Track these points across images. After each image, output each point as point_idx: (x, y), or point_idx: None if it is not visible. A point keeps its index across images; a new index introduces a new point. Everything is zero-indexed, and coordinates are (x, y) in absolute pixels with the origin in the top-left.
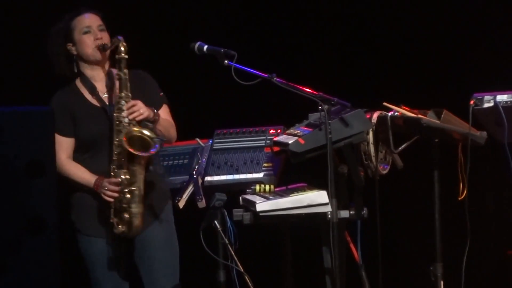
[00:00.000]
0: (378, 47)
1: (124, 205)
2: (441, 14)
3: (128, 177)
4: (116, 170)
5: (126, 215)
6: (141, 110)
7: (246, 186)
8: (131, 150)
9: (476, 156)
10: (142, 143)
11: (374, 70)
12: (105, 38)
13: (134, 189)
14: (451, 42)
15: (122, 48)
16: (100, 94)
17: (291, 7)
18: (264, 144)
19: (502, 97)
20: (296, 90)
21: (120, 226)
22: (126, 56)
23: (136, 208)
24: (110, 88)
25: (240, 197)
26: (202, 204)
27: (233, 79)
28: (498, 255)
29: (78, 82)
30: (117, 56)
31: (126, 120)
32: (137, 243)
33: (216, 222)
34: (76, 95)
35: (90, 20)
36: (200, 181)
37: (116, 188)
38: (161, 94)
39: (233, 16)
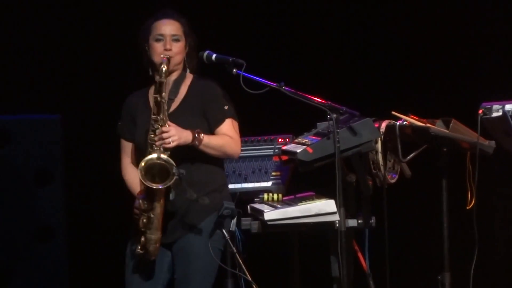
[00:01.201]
0: (386, 56)
1: (142, 229)
2: (450, 23)
3: (145, 203)
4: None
5: (143, 239)
6: (172, 138)
7: (254, 194)
8: (143, 180)
9: (484, 165)
10: (162, 171)
11: (383, 79)
12: (175, 49)
13: (151, 216)
14: (459, 51)
15: (164, 69)
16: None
17: (299, 16)
18: (272, 153)
19: (510, 106)
20: (305, 99)
21: (139, 247)
22: (164, 80)
23: (151, 235)
24: (171, 98)
25: (248, 206)
26: None
27: (241, 88)
28: (506, 264)
29: (151, 87)
30: (156, 79)
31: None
32: (174, 252)
33: (224, 230)
34: (142, 101)
35: (166, 28)
36: None
37: (136, 211)
38: (226, 107)
39: (242, 25)
